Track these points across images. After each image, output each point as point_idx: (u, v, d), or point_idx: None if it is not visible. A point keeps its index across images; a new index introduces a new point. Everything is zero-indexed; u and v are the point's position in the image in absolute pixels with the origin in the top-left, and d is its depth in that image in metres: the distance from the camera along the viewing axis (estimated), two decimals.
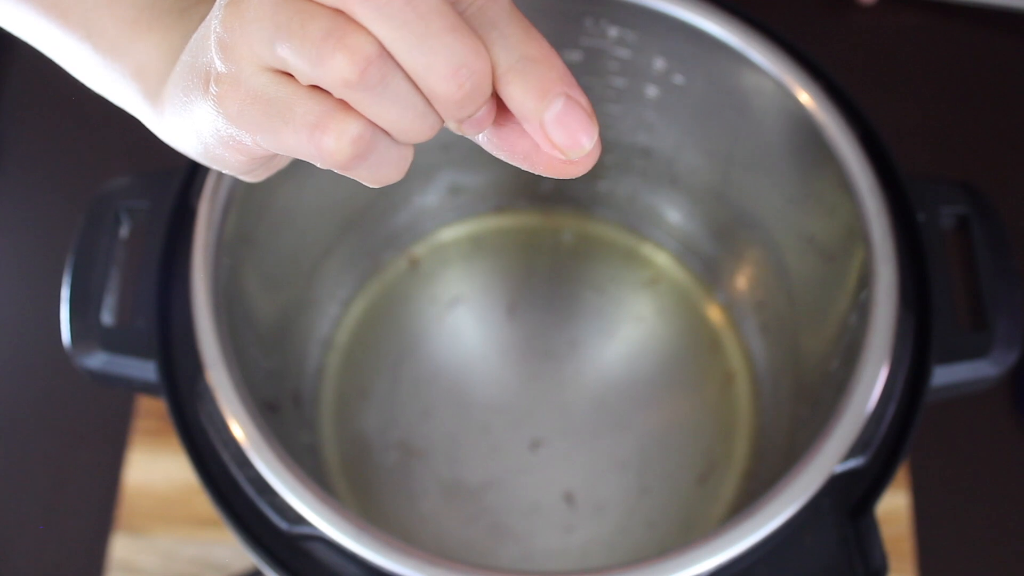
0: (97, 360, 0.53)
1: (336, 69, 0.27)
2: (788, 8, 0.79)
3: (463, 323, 0.71)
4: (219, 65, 0.30)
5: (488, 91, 0.28)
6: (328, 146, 0.29)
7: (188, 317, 0.52)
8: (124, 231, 0.56)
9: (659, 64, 0.61)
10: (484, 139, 0.31)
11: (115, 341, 0.53)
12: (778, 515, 0.47)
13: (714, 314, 0.71)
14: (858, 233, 0.54)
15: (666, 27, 0.58)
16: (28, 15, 0.39)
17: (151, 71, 0.37)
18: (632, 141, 0.68)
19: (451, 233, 0.74)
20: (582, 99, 0.29)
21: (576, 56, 0.62)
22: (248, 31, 0.28)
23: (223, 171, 0.37)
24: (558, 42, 0.61)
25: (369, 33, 0.27)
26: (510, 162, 0.31)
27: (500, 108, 0.30)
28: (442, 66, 0.27)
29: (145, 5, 0.38)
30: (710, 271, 0.72)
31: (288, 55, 0.28)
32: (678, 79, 0.61)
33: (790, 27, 0.58)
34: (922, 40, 0.82)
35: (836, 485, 0.49)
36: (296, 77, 0.29)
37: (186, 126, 0.34)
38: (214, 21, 0.30)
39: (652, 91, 0.63)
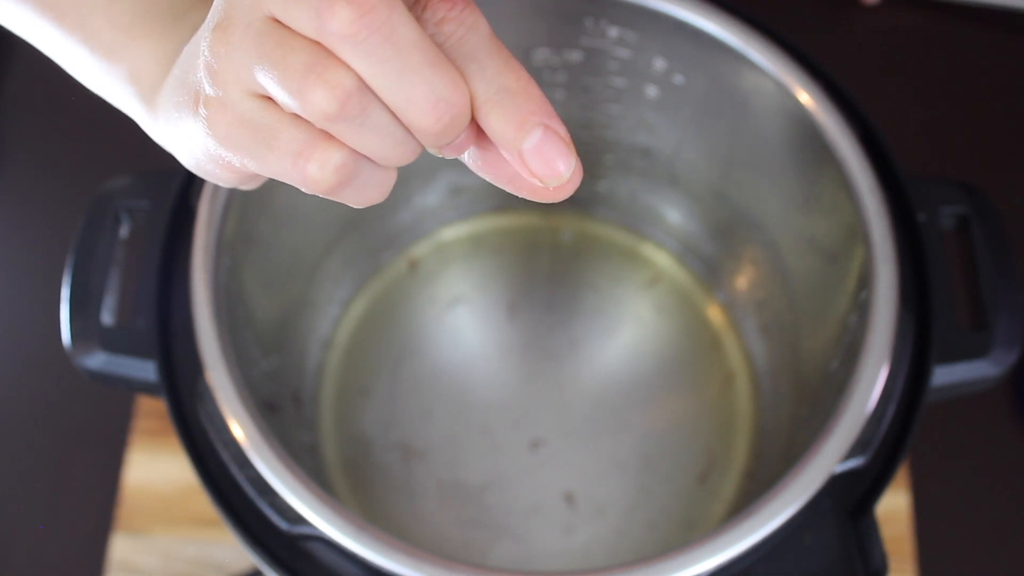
0: (97, 360, 0.53)
1: (316, 103, 0.28)
2: (788, 8, 0.79)
3: (463, 323, 0.71)
4: (207, 88, 0.30)
5: (466, 121, 0.29)
6: (312, 174, 0.29)
7: (188, 317, 0.52)
8: (124, 231, 0.56)
9: (659, 64, 0.61)
10: (471, 161, 0.32)
11: (115, 341, 0.53)
12: (778, 515, 0.47)
13: (714, 314, 0.71)
14: (858, 233, 0.54)
15: (666, 27, 0.58)
16: (27, 15, 0.40)
17: (145, 76, 0.37)
18: (632, 141, 0.68)
19: (451, 233, 0.74)
20: (560, 128, 0.29)
21: (576, 56, 0.62)
22: (233, 58, 0.29)
23: (215, 183, 0.37)
24: (558, 42, 0.61)
25: (348, 67, 0.27)
26: (496, 184, 0.32)
27: (483, 132, 0.30)
28: (421, 100, 0.28)
29: (139, 11, 0.38)
30: (710, 271, 0.72)
31: (270, 85, 0.28)
32: (678, 79, 0.61)
33: (790, 27, 0.58)
34: (923, 40, 0.82)
35: (836, 485, 0.49)
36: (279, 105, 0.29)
37: (178, 138, 0.34)
38: (203, 43, 0.30)
39: (652, 91, 0.63)
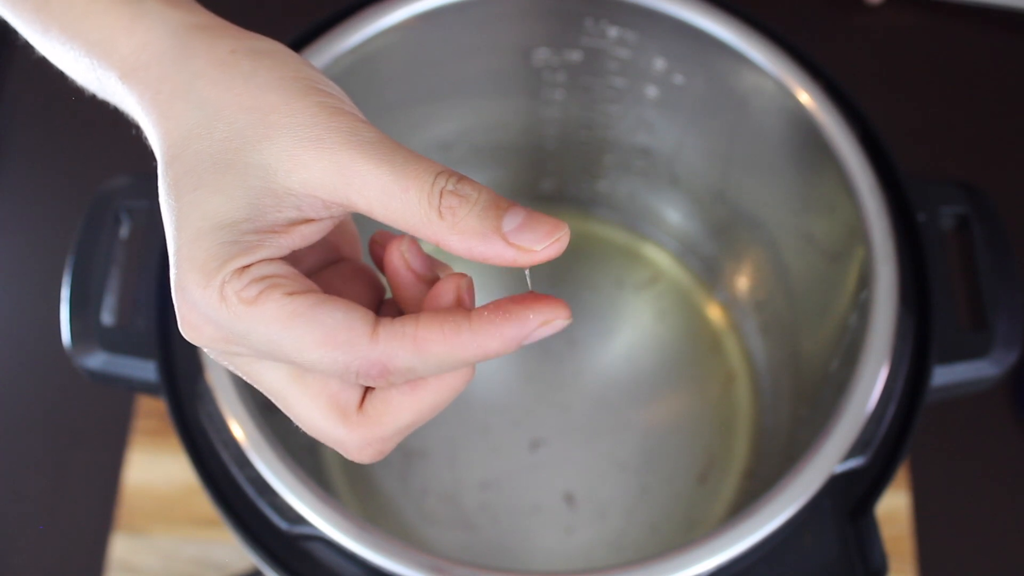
0: (97, 360, 0.53)
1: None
2: (788, 8, 0.79)
3: None
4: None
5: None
6: None
7: None
8: (124, 231, 0.56)
9: (659, 64, 0.61)
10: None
11: (115, 341, 0.53)
12: (778, 515, 0.47)
13: (714, 314, 0.71)
14: (858, 233, 0.54)
15: (666, 27, 0.58)
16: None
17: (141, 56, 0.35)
18: (632, 141, 0.67)
19: None
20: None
21: (576, 56, 0.62)
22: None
23: None
24: (558, 42, 0.61)
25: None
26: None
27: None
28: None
29: None
30: (710, 271, 0.72)
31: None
32: (678, 79, 0.61)
33: (790, 27, 0.58)
34: (923, 40, 0.82)
35: (836, 485, 0.49)
36: None
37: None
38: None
39: (652, 91, 0.63)
